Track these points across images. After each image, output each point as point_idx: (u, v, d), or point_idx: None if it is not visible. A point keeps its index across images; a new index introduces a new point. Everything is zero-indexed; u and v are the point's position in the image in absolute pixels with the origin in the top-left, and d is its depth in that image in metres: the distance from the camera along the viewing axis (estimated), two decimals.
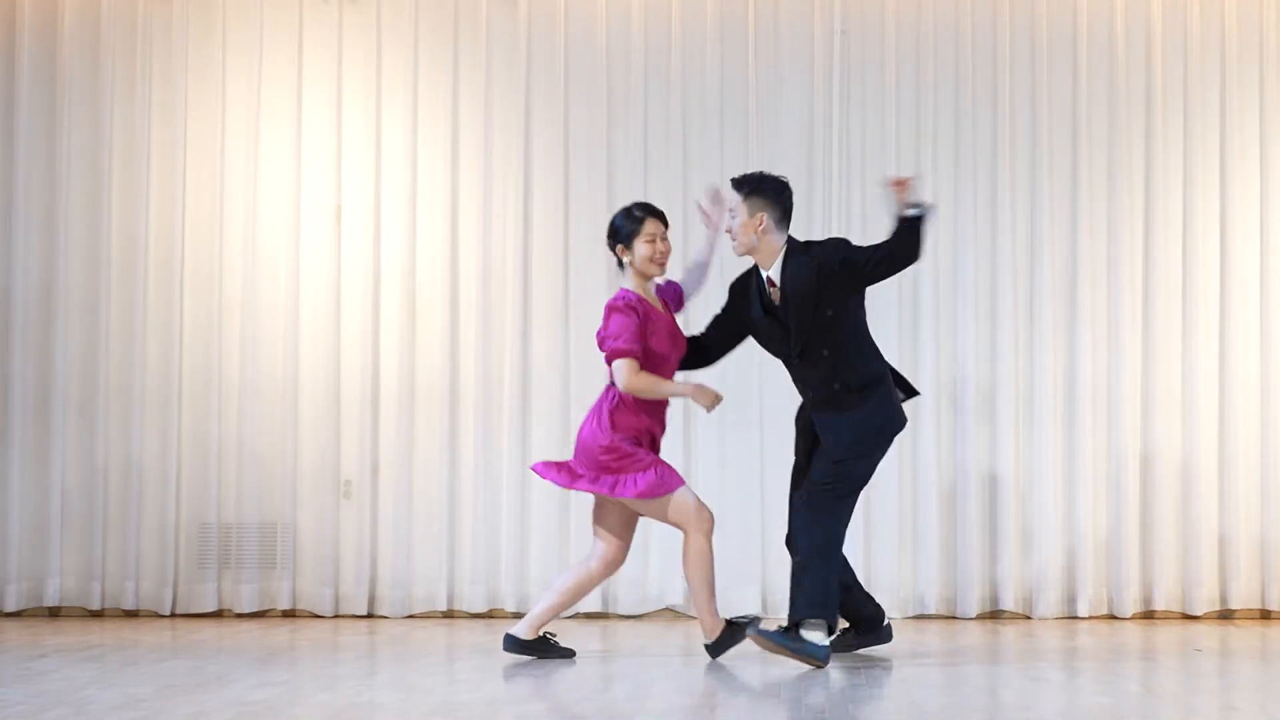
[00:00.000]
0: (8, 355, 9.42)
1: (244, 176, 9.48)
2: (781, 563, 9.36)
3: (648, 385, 7.39)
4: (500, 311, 9.44)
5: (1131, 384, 9.41)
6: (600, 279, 9.35)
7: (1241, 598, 9.38)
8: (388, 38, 9.54)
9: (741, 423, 9.40)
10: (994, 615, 9.34)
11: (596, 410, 7.47)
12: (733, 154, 9.44)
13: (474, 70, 9.53)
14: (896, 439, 9.35)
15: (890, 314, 9.40)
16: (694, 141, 9.48)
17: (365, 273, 9.46)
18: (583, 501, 9.33)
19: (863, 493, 9.35)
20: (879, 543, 9.37)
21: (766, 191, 7.45)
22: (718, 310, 7.71)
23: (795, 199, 9.38)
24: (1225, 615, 9.38)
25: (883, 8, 9.50)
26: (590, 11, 9.53)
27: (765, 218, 7.41)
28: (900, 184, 7.22)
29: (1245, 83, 9.52)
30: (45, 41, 9.51)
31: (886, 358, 9.49)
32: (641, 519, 7.65)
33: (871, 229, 9.45)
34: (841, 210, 9.44)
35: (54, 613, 9.37)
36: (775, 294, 7.41)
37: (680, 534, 7.44)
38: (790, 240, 7.49)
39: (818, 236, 9.43)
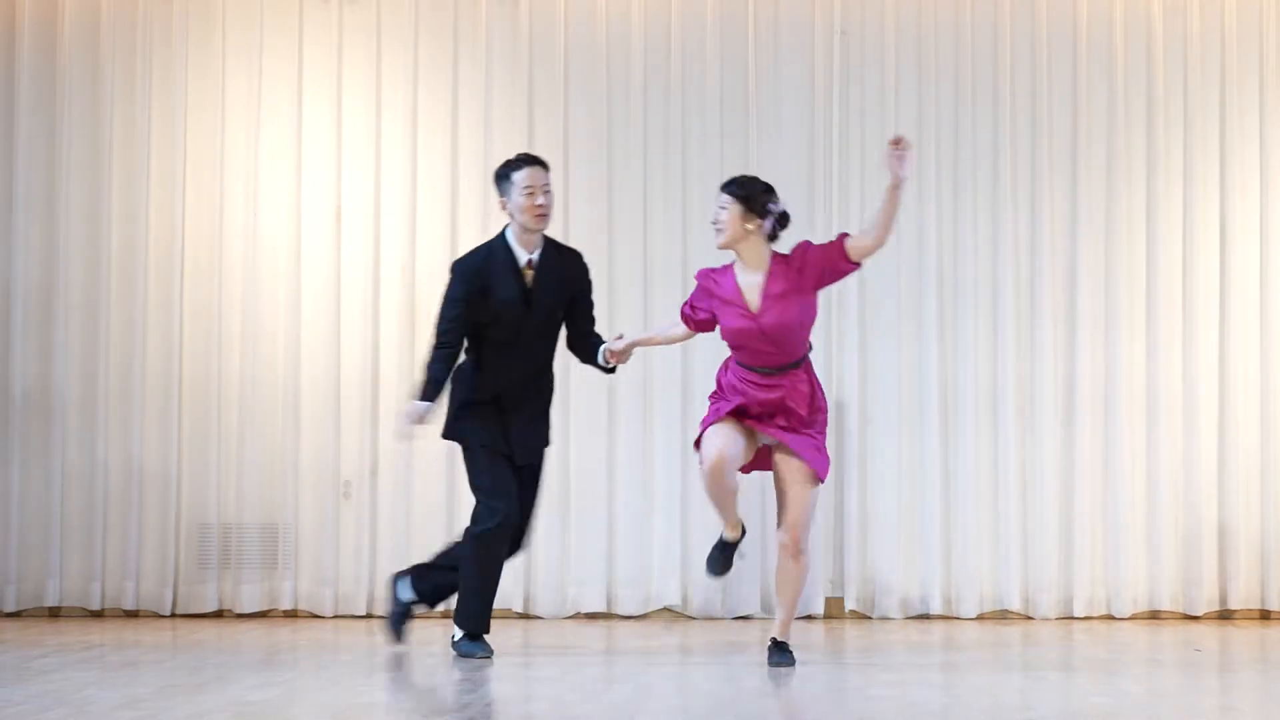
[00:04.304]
0: (8, 355, 9.42)
1: (244, 177, 9.48)
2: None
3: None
4: None
5: (1132, 384, 9.41)
6: (600, 278, 9.32)
7: (1241, 598, 9.37)
8: (388, 38, 9.54)
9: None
10: (995, 616, 9.34)
11: (809, 371, 7.34)
12: (733, 154, 9.43)
13: (474, 70, 9.53)
14: (897, 436, 9.43)
15: (890, 313, 9.41)
16: (694, 141, 9.47)
17: (365, 273, 9.46)
18: (581, 500, 9.33)
19: (863, 492, 9.41)
20: (879, 542, 9.36)
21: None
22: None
23: (794, 199, 9.42)
24: (1225, 615, 9.38)
25: (883, 8, 9.50)
26: (590, 11, 9.53)
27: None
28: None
29: (1245, 83, 9.52)
30: (45, 41, 9.51)
31: (885, 357, 9.54)
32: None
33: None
34: (841, 210, 9.44)
35: (54, 613, 9.36)
36: (530, 277, 7.62)
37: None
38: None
39: (819, 237, 9.44)
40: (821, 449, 7.29)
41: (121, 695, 6.34)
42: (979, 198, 9.47)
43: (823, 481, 7.28)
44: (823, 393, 7.36)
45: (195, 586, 9.36)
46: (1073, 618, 9.31)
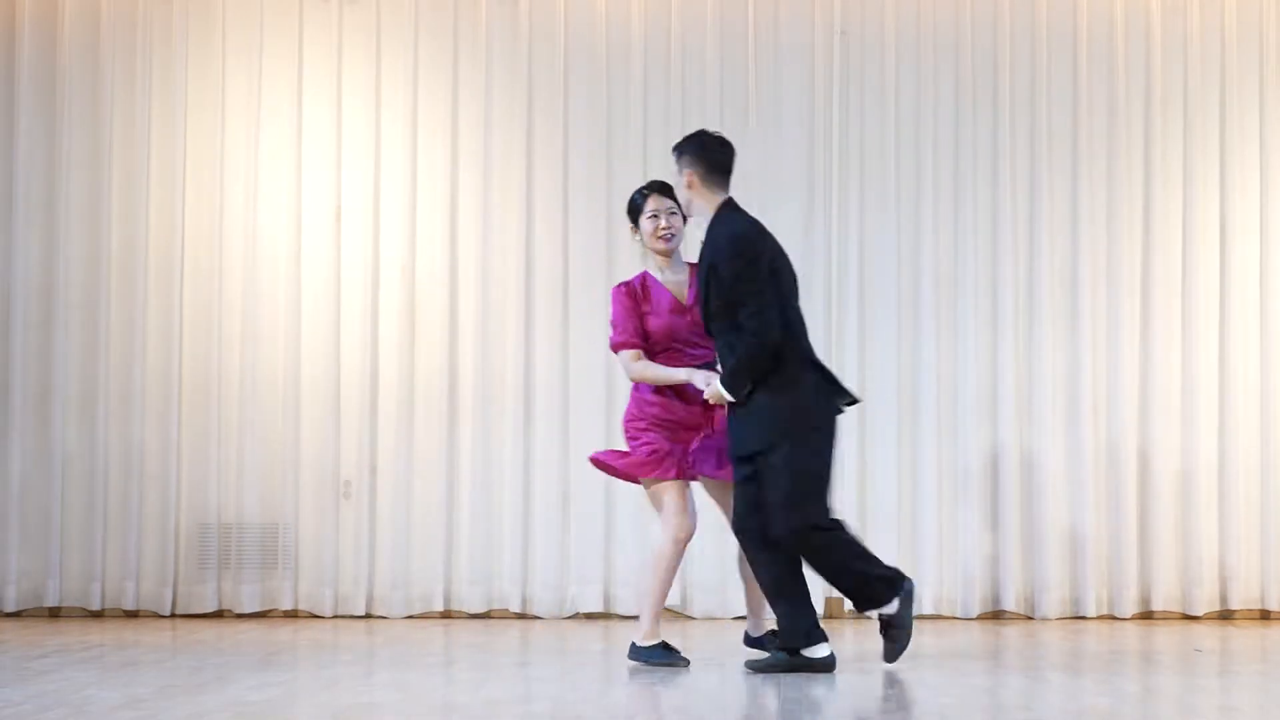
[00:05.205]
0: (8, 355, 9.43)
1: (244, 176, 9.49)
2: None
3: (645, 374, 7.29)
4: (500, 311, 9.44)
5: (1131, 384, 9.42)
6: (600, 279, 9.35)
7: (1241, 598, 9.38)
8: (388, 38, 9.54)
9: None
10: (995, 616, 9.34)
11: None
12: None
13: (474, 70, 9.53)
14: (897, 437, 9.43)
15: (890, 314, 9.41)
16: None
17: (365, 273, 9.46)
18: (580, 500, 9.34)
19: (862, 492, 9.41)
20: (879, 543, 9.35)
21: (687, 147, 7.29)
22: None
23: (794, 199, 9.43)
24: (1225, 615, 9.38)
25: (883, 8, 9.51)
26: (590, 11, 9.54)
27: (691, 174, 7.24)
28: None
29: (1245, 83, 9.52)
30: (45, 41, 9.52)
31: (889, 359, 9.52)
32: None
33: (870, 229, 9.46)
34: (841, 210, 9.44)
35: (54, 613, 9.37)
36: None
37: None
38: (728, 202, 7.24)
39: (818, 237, 9.46)
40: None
41: (121, 695, 6.34)
42: (979, 198, 9.48)
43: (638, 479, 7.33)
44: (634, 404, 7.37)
45: (195, 586, 9.36)
46: (1073, 618, 9.31)
